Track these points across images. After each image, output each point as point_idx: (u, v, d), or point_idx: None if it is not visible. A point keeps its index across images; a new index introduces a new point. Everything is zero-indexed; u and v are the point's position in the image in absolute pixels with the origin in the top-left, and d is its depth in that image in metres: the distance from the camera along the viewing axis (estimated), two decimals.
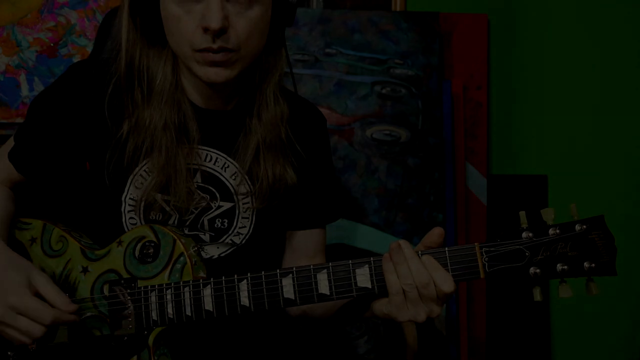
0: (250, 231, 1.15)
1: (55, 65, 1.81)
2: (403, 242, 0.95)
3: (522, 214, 0.94)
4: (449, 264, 0.94)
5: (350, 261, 0.98)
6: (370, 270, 0.97)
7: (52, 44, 1.81)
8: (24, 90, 1.81)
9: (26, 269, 1.03)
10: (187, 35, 0.98)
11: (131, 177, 1.09)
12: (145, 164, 1.08)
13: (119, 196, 1.10)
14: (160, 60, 1.07)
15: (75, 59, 1.82)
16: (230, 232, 1.14)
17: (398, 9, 1.95)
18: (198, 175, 1.12)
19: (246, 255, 1.16)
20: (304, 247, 1.22)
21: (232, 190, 1.13)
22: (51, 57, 1.81)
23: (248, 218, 1.14)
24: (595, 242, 0.91)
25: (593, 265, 0.91)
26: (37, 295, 1.01)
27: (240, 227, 1.14)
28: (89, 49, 1.81)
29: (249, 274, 1.00)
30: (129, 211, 1.10)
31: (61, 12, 1.81)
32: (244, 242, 1.15)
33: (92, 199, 1.11)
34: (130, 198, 1.10)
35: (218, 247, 1.14)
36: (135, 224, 1.10)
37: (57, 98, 1.11)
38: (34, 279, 1.01)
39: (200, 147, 1.11)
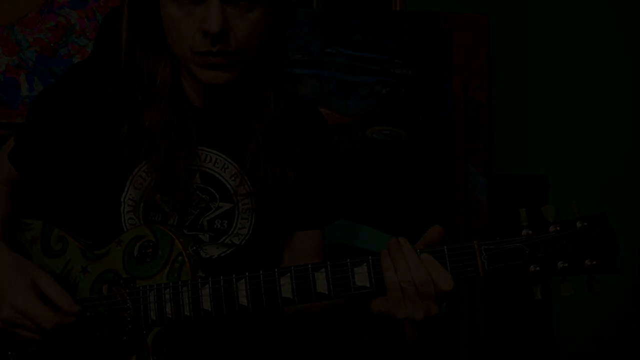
0: (250, 232, 1.15)
1: (55, 65, 1.81)
2: (402, 239, 0.95)
3: (522, 211, 0.93)
4: (447, 262, 0.93)
5: (348, 260, 0.97)
6: (369, 268, 0.96)
7: (52, 44, 1.81)
8: (24, 90, 1.81)
9: (29, 270, 1.03)
10: (186, 38, 0.97)
11: (130, 177, 1.09)
12: (145, 164, 1.08)
13: (118, 197, 1.09)
14: (160, 62, 1.06)
15: (75, 59, 1.82)
16: (229, 232, 1.14)
17: (398, 8, 1.95)
18: (197, 176, 1.11)
19: (246, 255, 1.15)
20: (302, 248, 1.22)
21: (232, 191, 1.12)
22: (51, 57, 1.81)
23: (247, 219, 1.14)
24: (597, 239, 0.89)
25: (594, 262, 0.89)
26: (42, 296, 1.01)
27: (239, 228, 1.14)
28: (89, 49, 1.81)
29: (247, 273, 1.00)
30: (128, 212, 1.10)
31: (61, 12, 1.81)
32: (243, 242, 1.15)
33: (92, 199, 1.11)
34: (129, 199, 1.09)
35: (218, 248, 1.14)
36: (134, 224, 1.10)
37: (57, 98, 1.11)
38: (38, 280, 1.01)
39: (199, 148, 1.11)
